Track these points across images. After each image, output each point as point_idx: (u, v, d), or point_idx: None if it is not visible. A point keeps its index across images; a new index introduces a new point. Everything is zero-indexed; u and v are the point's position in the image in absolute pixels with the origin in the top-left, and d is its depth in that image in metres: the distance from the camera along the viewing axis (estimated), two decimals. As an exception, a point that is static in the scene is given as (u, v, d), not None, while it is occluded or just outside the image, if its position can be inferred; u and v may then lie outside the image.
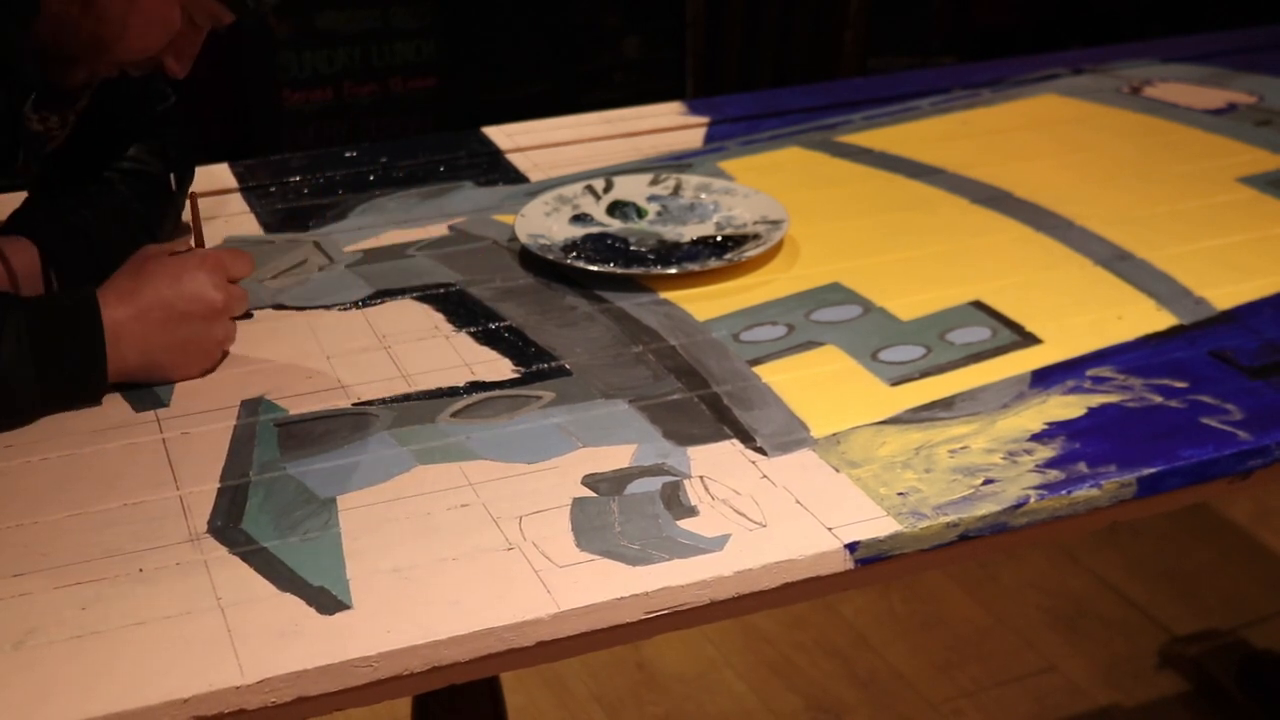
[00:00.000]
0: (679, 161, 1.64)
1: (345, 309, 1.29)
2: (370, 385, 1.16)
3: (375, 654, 0.86)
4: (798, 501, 1.00)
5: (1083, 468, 1.04)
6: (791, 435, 1.09)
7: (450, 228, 1.47)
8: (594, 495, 1.01)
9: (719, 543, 0.96)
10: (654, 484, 1.03)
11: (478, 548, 0.96)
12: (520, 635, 0.89)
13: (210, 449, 1.07)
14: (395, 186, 1.57)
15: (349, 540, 0.96)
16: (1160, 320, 1.27)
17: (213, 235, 1.42)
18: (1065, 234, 1.44)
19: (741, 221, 1.45)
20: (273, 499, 1.01)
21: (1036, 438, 1.08)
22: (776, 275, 1.36)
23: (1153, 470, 1.04)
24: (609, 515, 0.99)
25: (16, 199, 1.29)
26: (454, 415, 1.12)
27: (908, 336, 1.24)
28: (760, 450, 1.07)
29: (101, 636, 0.87)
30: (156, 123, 1.36)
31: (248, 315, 1.25)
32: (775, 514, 0.99)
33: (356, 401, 1.14)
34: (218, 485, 1.03)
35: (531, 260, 1.38)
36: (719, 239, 1.42)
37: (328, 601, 0.90)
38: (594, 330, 1.25)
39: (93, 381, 1.11)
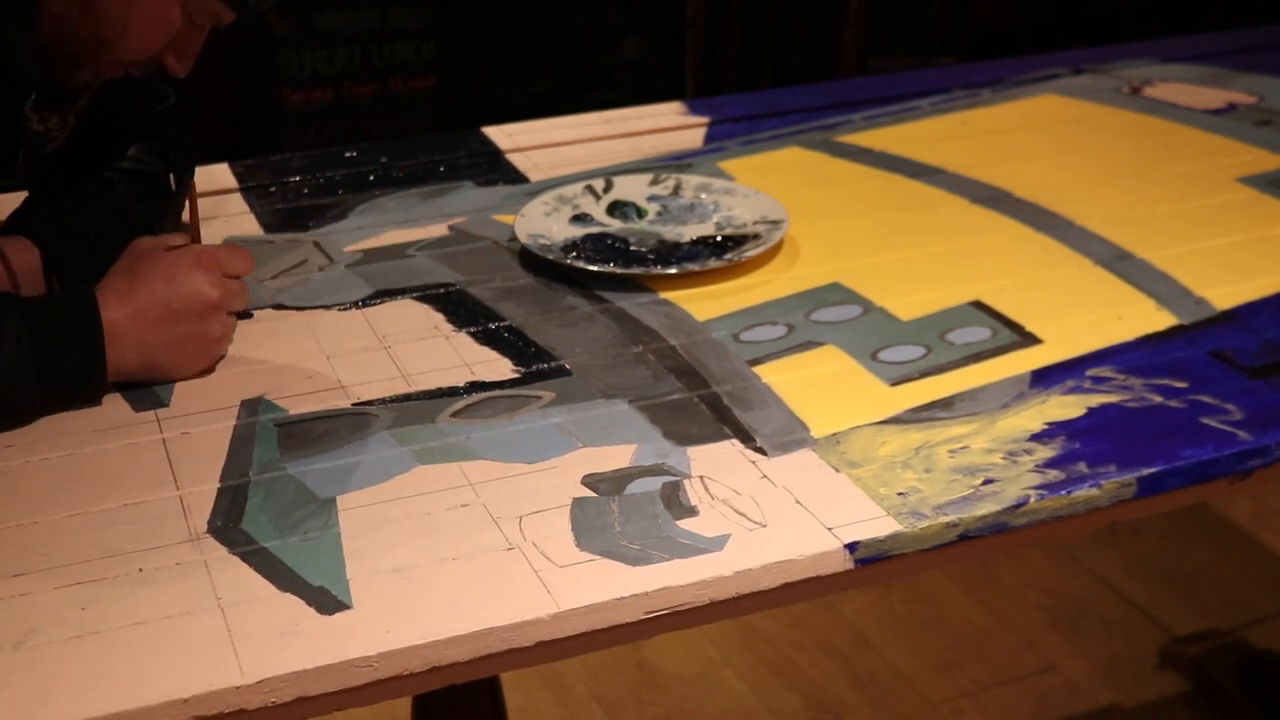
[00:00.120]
0: (679, 161, 1.64)
1: (345, 309, 1.29)
2: (370, 385, 1.16)
3: (375, 654, 0.86)
4: (798, 501, 1.00)
5: (1083, 468, 1.04)
6: (791, 435, 1.09)
7: (450, 228, 1.47)
8: (594, 495, 1.01)
9: (719, 543, 0.96)
10: (654, 484, 1.03)
11: (478, 548, 0.96)
12: (520, 635, 0.89)
13: (210, 449, 1.07)
14: (395, 186, 1.57)
15: (349, 540, 0.96)
16: (1160, 320, 1.27)
17: (213, 235, 1.42)
18: (1065, 234, 1.44)
19: (741, 221, 1.45)
20: (273, 499, 1.01)
21: (1036, 438, 1.08)
22: (776, 275, 1.36)
23: (1153, 470, 1.04)
24: (609, 515, 0.99)
25: (16, 199, 1.29)
26: (454, 415, 1.12)
27: (908, 336, 1.24)
28: (760, 450, 1.07)
29: (101, 636, 0.87)
30: (156, 123, 1.36)
31: (248, 315, 1.25)
32: (775, 514, 0.99)
33: (356, 401, 1.14)
34: (218, 485, 1.03)
35: (531, 260, 1.38)
36: (719, 239, 1.42)
37: (328, 601, 0.90)
38: (594, 330, 1.25)
39: (93, 381, 1.11)
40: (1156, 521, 2.55)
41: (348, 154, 1.65)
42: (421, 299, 1.31)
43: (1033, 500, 1.01)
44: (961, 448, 1.07)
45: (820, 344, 1.23)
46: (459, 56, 3.35)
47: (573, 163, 1.64)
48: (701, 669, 2.22)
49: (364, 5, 3.23)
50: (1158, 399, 1.14)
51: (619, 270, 1.34)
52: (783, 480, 1.03)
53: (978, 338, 1.24)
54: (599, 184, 1.52)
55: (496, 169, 1.62)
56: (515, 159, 1.66)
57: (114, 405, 1.13)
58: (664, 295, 1.32)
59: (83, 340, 1.10)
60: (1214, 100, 1.82)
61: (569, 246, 1.39)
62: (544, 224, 1.43)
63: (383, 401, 1.14)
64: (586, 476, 1.03)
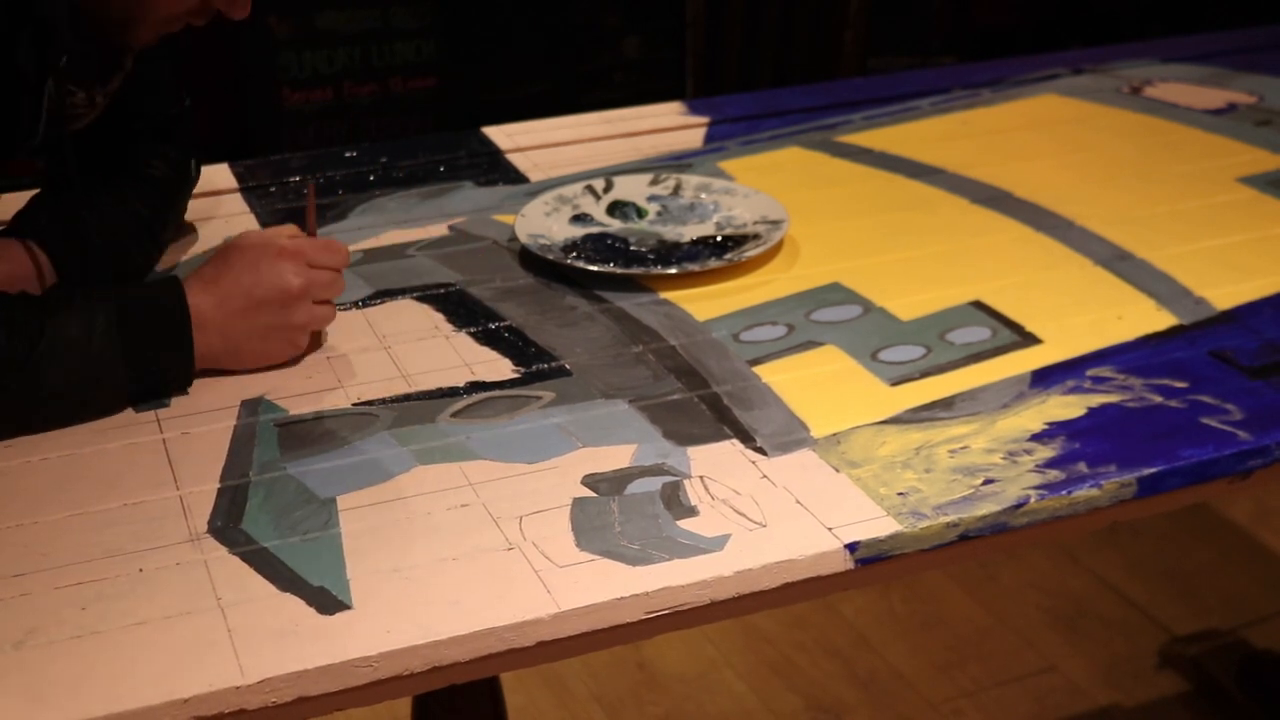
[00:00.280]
0: (679, 161, 1.64)
1: (345, 309, 1.29)
2: (370, 385, 1.16)
3: (375, 654, 0.86)
4: (798, 501, 1.00)
5: (1083, 468, 1.04)
6: (791, 435, 1.09)
7: (450, 228, 1.47)
8: (594, 495, 1.01)
9: (719, 543, 0.96)
10: (654, 484, 1.03)
11: (478, 548, 0.96)
12: (520, 635, 0.89)
13: (210, 449, 1.07)
14: (395, 186, 1.57)
15: (349, 540, 0.96)
16: (1160, 320, 1.27)
17: (212, 235, 1.42)
18: (1065, 234, 1.44)
19: (741, 221, 1.45)
20: (273, 499, 1.01)
21: (1036, 438, 1.08)
22: (776, 275, 1.36)
23: (1153, 470, 1.04)
24: (609, 515, 0.99)
25: (20, 199, 1.29)
26: (454, 415, 1.12)
27: (908, 336, 1.24)
28: (760, 450, 1.07)
29: (101, 636, 0.87)
30: (169, 125, 1.36)
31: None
32: (775, 514, 0.99)
33: (356, 401, 1.14)
34: (218, 485, 1.03)
35: (531, 260, 1.38)
36: (719, 239, 1.42)
37: (328, 601, 0.90)
38: (594, 330, 1.25)
39: (181, 372, 1.13)
40: (1156, 521, 2.55)
41: (348, 154, 1.65)
42: (421, 299, 1.31)
43: (1033, 500, 1.01)
44: (961, 448, 1.07)
45: (820, 344, 1.23)
46: (459, 56, 3.35)
47: (573, 163, 1.64)
48: (701, 669, 2.22)
49: (364, 5, 3.23)
50: (1158, 399, 1.14)
51: (619, 270, 1.34)
52: (783, 480, 1.03)
53: (978, 338, 1.24)
54: (599, 184, 1.52)
55: (496, 169, 1.62)
56: (515, 159, 1.66)
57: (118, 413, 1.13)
58: (664, 295, 1.32)
59: (172, 332, 1.11)
60: (1214, 100, 1.82)
61: (569, 246, 1.39)
62: (544, 224, 1.43)
63: (383, 401, 1.14)
64: (586, 476, 1.03)
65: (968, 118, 1.79)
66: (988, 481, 1.03)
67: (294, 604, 0.90)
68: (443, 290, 1.33)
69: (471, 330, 1.25)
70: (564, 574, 0.93)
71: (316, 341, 1.21)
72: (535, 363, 1.20)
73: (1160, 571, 2.45)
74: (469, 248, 1.42)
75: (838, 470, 1.04)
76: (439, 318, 1.28)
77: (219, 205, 1.51)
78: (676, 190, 1.52)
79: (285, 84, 3.21)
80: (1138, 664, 2.24)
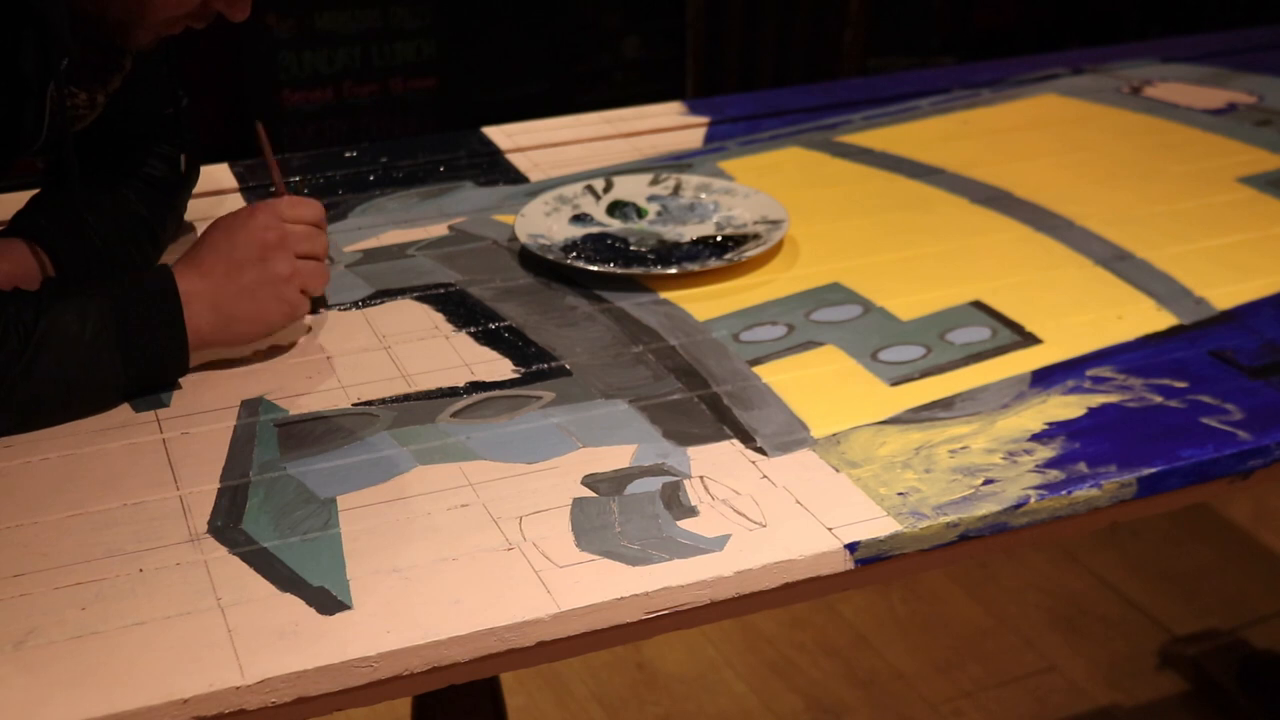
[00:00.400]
0: (679, 161, 1.64)
1: (345, 309, 1.29)
2: (370, 385, 1.16)
3: (375, 654, 0.86)
4: (798, 501, 1.00)
5: (1083, 468, 1.04)
6: (791, 435, 1.09)
7: (450, 228, 1.47)
8: (594, 495, 1.01)
9: (719, 543, 0.96)
10: (654, 484, 1.03)
11: (478, 548, 0.96)
12: (520, 635, 0.89)
13: (210, 449, 1.07)
14: (395, 186, 1.57)
15: (349, 540, 0.96)
16: (1160, 320, 1.27)
17: (213, 235, 1.42)
18: (1065, 234, 1.44)
19: (741, 221, 1.45)
20: (273, 499, 1.01)
21: (1036, 438, 1.08)
22: (776, 275, 1.36)
23: (1153, 470, 1.04)
24: (609, 515, 0.99)
25: (20, 199, 1.29)
26: (454, 415, 1.12)
27: (908, 336, 1.24)
28: (760, 450, 1.07)
29: (101, 636, 0.87)
30: (169, 125, 1.36)
31: (322, 302, 1.26)
32: (775, 514, 0.99)
33: (356, 401, 1.14)
34: (218, 485, 1.03)
35: (531, 260, 1.38)
36: (719, 239, 1.42)
37: (328, 601, 0.90)
38: (594, 330, 1.25)
39: (175, 363, 1.13)
40: (1156, 521, 2.56)
41: (348, 154, 1.65)
42: (421, 299, 1.31)
43: (1033, 500, 1.01)
44: (961, 448, 1.07)
45: (820, 344, 1.23)
46: (459, 56, 3.35)
47: (573, 163, 1.64)
48: (701, 669, 2.22)
49: (364, 5, 3.23)
50: (1158, 399, 1.14)
51: (619, 270, 1.34)
52: (783, 480, 1.03)
53: (978, 338, 1.24)
54: (599, 184, 1.52)
55: (496, 169, 1.62)
56: (515, 159, 1.66)
57: (115, 407, 1.13)
58: (664, 295, 1.32)
59: (165, 323, 1.11)
60: (1214, 100, 1.82)
61: (569, 246, 1.39)
62: (544, 224, 1.43)
63: (383, 401, 1.14)
64: (586, 476, 1.03)
65: (968, 118, 1.79)
66: (988, 481, 1.03)
67: (294, 604, 0.90)
68: (443, 290, 1.33)
69: (471, 330, 1.25)
70: (564, 574, 0.93)
71: (314, 304, 1.21)
72: (535, 363, 1.20)
73: (1160, 571, 2.45)
74: (469, 248, 1.42)
75: (838, 470, 1.04)
76: (439, 318, 1.28)
77: (219, 205, 1.51)
78: (676, 190, 1.52)
79: (285, 84, 3.21)
80: (1138, 664, 2.24)
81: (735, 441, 1.08)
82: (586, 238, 1.42)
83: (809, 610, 2.34)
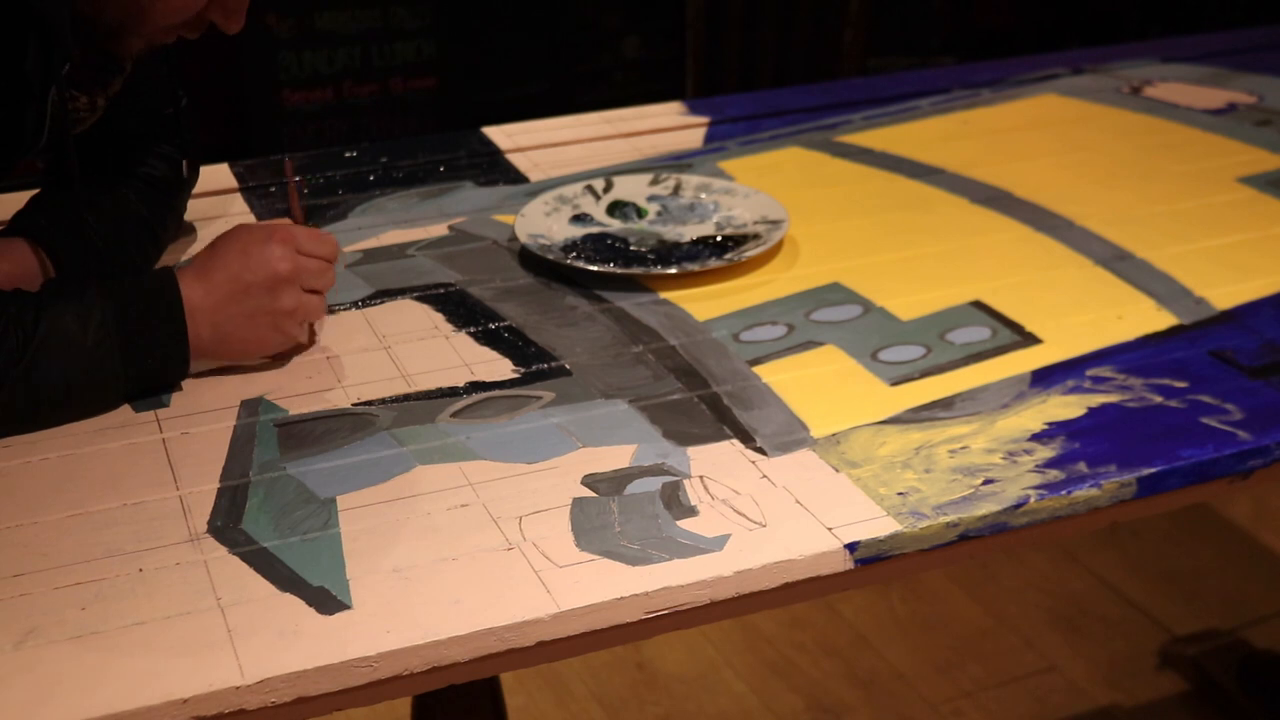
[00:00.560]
0: (679, 161, 1.64)
1: (345, 309, 1.29)
2: (370, 385, 1.16)
3: (375, 654, 0.86)
4: (798, 501, 1.00)
5: (1083, 468, 1.04)
6: (791, 435, 1.09)
7: (450, 228, 1.47)
8: (594, 495, 1.01)
9: (719, 543, 0.96)
10: (654, 484, 1.03)
11: (478, 548, 0.96)
12: (520, 635, 0.89)
13: (210, 449, 1.07)
14: (395, 186, 1.57)
15: (349, 540, 0.96)
16: (1160, 320, 1.27)
17: (212, 235, 1.42)
18: (1065, 234, 1.44)
19: (741, 221, 1.45)
20: (273, 499, 1.01)
21: (1036, 438, 1.08)
22: (776, 275, 1.36)
23: (1153, 470, 1.04)
24: (609, 515, 0.99)
25: (20, 199, 1.29)
26: (454, 415, 1.12)
27: (908, 336, 1.24)
28: (760, 450, 1.07)
29: (101, 636, 0.87)
30: (169, 125, 1.36)
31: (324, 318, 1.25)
32: (775, 514, 0.99)
33: (356, 401, 1.14)
34: (218, 485, 1.03)
35: (531, 260, 1.38)
36: (719, 239, 1.42)
37: (328, 601, 0.90)
38: (594, 330, 1.25)
39: (176, 365, 1.12)
40: (1156, 521, 2.56)
41: (348, 154, 1.65)
42: (421, 299, 1.31)
43: (1033, 500, 1.01)
44: (961, 448, 1.07)
45: (820, 344, 1.23)
46: (459, 56, 3.35)
47: (573, 163, 1.64)
48: (701, 669, 2.22)
49: (364, 5, 3.23)
50: (1158, 399, 1.14)
51: (619, 270, 1.34)
52: (783, 480, 1.03)
53: (978, 338, 1.24)
54: (599, 184, 1.52)
55: (496, 169, 1.62)
56: (515, 159, 1.66)
57: (115, 408, 1.13)
58: (664, 295, 1.32)
59: (166, 325, 1.11)
60: (1214, 100, 1.82)
61: (569, 246, 1.39)
62: (544, 224, 1.43)
63: (383, 401, 1.14)
64: (586, 476, 1.03)
65: (968, 118, 1.79)
66: (988, 481, 1.03)
67: (294, 604, 0.90)
68: (443, 290, 1.33)
69: (471, 330, 1.25)
70: (564, 574, 0.93)
71: (309, 339, 1.21)
72: (535, 363, 1.20)
73: (1160, 571, 2.45)
74: (469, 248, 1.42)
75: (838, 470, 1.04)
76: (439, 318, 1.28)
77: (219, 205, 1.51)
78: (676, 190, 1.52)
79: (285, 84, 3.21)
80: (1138, 664, 2.24)
81: (735, 441, 1.08)
82: (586, 238, 1.42)
83: (809, 610, 2.34)
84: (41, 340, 1.05)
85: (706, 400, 1.14)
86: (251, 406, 1.12)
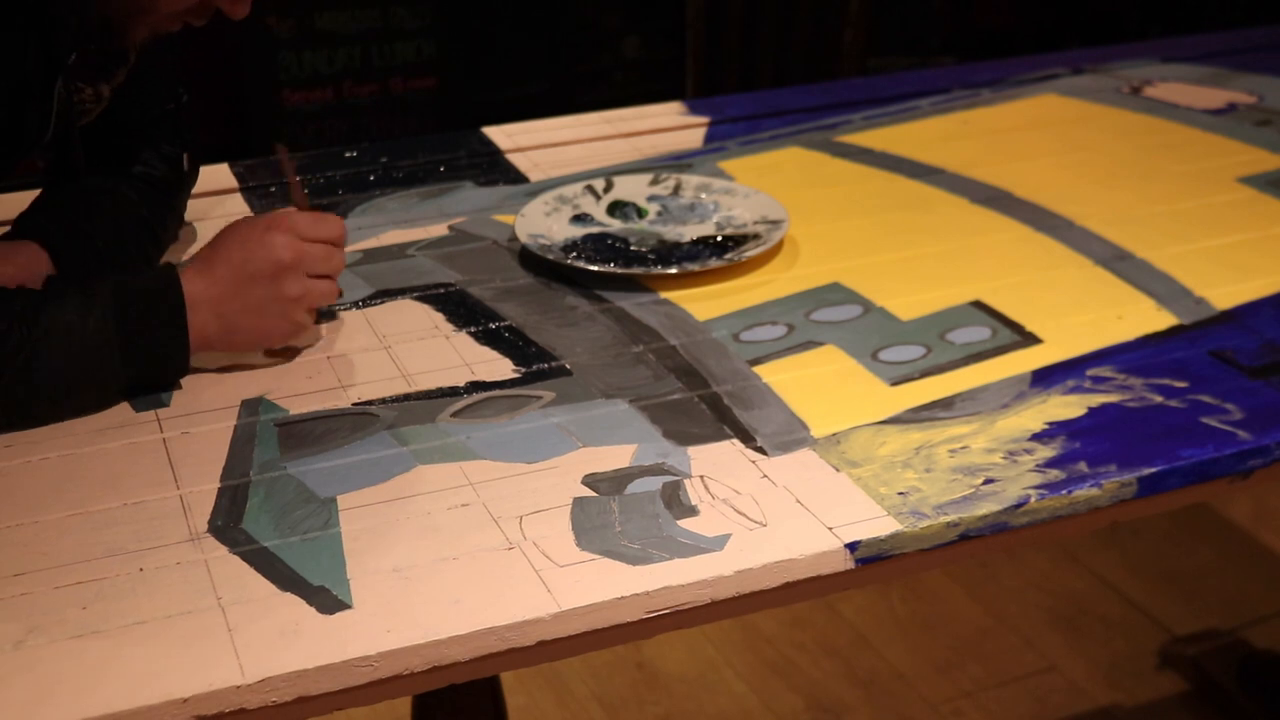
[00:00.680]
0: (679, 161, 1.64)
1: (345, 309, 1.29)
2: (370, 385, 1.16)
3: (375, 653, 0.86)
4: (798, 501, 1.00)
5: (1083, 467, 1.04)
6: (792, 435, 1.09)
7: (450, 228, 1.47)
8: (594, 495, 1.01)
9: (719, 542, 0.96)
10: (654, 483, 1.03)
11: (478, 547, 0.96)
12: (521, 634, 0.89)
13: (210, 449, 1.07)
14: (395, 186, 1.57)
15: (349, 540, 0.96)
16: (1160, 320, 1.27)
17: (212, 235, 1.42)
18: (1065, 234, 1.44)
19: (741, 221, 1.45)
20: (273, 499, 1.01)
21: (1037, 437, 1.08)
22: (776, 275, 1.36)
23: (1153, 470, 1.04)
24: (609, 515, 0.99)
25: (24, 199, 1.29)
26: (454, 415, 1.12)
27: (908, 336, 1.24)
28: (760, 450, 1.07)
29: (102, 636, 0.87)
30: (169, 120, 1.36)
31: (331, 314, 1.25)
32: (775, 513, 0.99)
33: (356, 401, 1.14)
34: (218, 485, 1.03)
35: (531, 260, 1.38)
36: (719, 239, 1.42)
37: (328, 601, 0.90)
38: (594, 330, 1.25)
39: (175, 363, 1.13)
40: (1156, 521, 2.55)
41: (348, 154, 1.65)
42: (421, 299, 1.31)
43: (1033, 500, 1.01)
44: (962, 447, 1.07)
45: (820, 344, 1.23)
46: (459, 56, 3.35)
47: (573, 163, 1.64)
48: (701, 669, 2.22)
49: (364, 5, 3.23)
50: (1158, 399, 1.14)
51: (619, 270, 1.34)
52: (783, 480, 1.03)
53: (978, 337, 1.24)
54: (599, 184, 1.52)
55: (496, 169, 1.62)
56: (515, 159, 1.66)
57: (114, 405, 1.13)
58: (664, 295, 1.32)
59: (167, 326, 1.11)
60: (1214, 100, 1.82)
61: (569, 246, 1.39)
62: (544, 224, 1.43)
63: (383, 401, 1.14)
64: (587, 476, 1.03)
65: (968, 118, 1.79)
66: (988, 481, 1.03)
67: (294, 603, 0.90)
68: (443, 290, 1.33)
69: (471, 330, 1.26)
70: (564, 573, 0.93)
71: (316, 331, 1.21)
72: (535, 363, 1.20)
73: (1160, 571, 2.45)
74: (469, 248, 1.42)
75: (838, 470, 1.04)
76: (439, 318, 1.28)
77: (219, 205, 1.51)
78: (676, 190, 1.52)
79: (285, 84, 3.21)
80: (1138, 664, 2.24)
81: (735, 441, 1.08)
82: (586, 238, 1.42)
83: (809, 610, 2.34)
84: (42, 335, 1.05)
85: (707, 400, 1.14)
86: (252, 406, 1.12)
